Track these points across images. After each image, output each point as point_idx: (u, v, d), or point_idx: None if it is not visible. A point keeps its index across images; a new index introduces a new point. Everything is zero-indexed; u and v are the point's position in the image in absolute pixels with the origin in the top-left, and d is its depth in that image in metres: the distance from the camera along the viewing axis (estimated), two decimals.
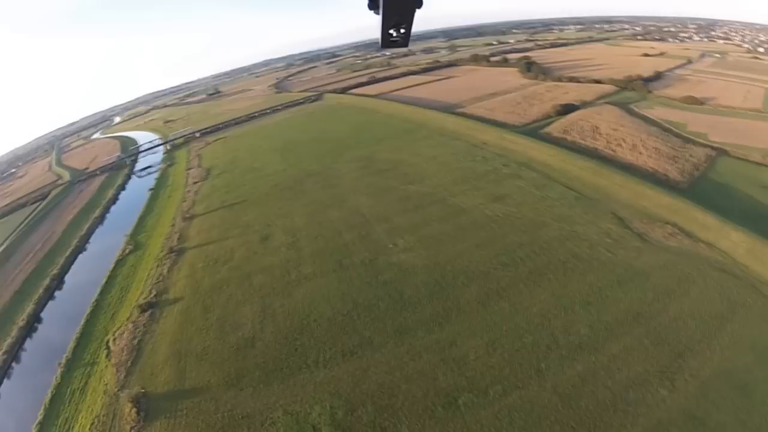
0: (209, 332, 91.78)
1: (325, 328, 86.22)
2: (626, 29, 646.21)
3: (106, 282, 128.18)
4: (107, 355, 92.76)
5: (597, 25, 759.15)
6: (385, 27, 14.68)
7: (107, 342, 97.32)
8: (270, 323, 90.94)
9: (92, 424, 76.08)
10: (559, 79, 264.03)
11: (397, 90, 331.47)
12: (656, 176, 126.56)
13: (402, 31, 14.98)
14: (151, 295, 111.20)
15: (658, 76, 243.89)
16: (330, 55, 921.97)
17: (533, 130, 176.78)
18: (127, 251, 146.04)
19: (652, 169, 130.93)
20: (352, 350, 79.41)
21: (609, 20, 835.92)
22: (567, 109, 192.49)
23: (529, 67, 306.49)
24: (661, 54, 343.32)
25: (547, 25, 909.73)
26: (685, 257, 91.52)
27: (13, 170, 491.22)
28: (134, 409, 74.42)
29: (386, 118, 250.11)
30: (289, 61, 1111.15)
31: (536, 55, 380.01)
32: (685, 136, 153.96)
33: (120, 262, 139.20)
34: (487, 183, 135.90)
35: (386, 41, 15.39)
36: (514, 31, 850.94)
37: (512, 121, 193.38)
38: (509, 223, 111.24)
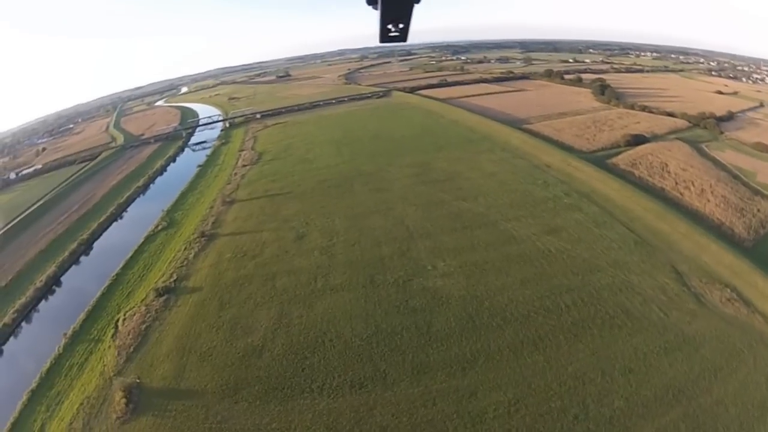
0: (219, 332, 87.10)
1: (340, 351, 78.73)
2: (701, 63, 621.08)
3: (132, 256, 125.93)
4: (113, 335, 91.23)
5: (673, 55, 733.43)
6: (383, 21, 14.45)
7: (117, 321, 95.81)
8: (283, 334, 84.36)
9: (81, 404, 74.26)
10: (632, 107, 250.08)
11: (467, 97, 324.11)
12: (721, 229, 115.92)
13: (401, 26, 14.77)
14: (171, 280, 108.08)
15: (730, 117, 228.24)
16: (405, 53, 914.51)
17: (600, 159, 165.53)
18: (159, 227, 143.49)
19: (718, 220, 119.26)
20: (361, 382, 71.82)
21: (685, 51, 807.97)
22: (637, 140, 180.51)
23: (602, 90, 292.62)
24: (735, 93, 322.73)
25: (624, 48, 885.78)
26: (740, 329, 79.88)
27: (71, 126, 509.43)
28: (124, 399, 71.92)
29: (450, 124, 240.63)
30: (364, 53, 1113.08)
31: (611, 78, 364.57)
32: (753, 187, 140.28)
33: (150, 238, 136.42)
34: (544, 211, 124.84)
35: (384, 36, 15.14)
36: (590, 51, 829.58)
37: (579, 146, 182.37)
38: (561, 261, 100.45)
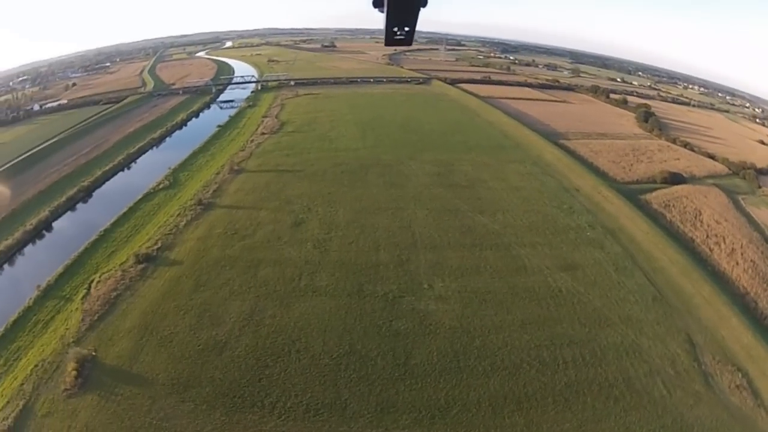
0: (186, 316, 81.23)
1: (304, 367, 71.07)
2: (747, 107, 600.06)
3: (125, 213, 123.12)
4: (84, 297, 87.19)
5: (720, 94, 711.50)
6: (389, 25, 14.63)
7: (91, 282, 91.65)
8: (250, 333, 77.55)
9: (35, 366, 70.64)
10: (674, 141, 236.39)
11: (508, 98, 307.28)
12: (745, 299, 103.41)
13: (406, 29, 15.00)
14: (155, 247, 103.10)
15: None
16: (455, 42, 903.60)
17: (633, 192, 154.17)
18: (161, 186, 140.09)
19: (743, 288, 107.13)
20: (318, 408, 64.37)
21: (732, 92, 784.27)
22: (674, 179, 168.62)
23: (647, 117, 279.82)
24: None
25: (673, 77, 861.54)
26: (741, 423, 69.64)
27: (108, 64, 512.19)
28: (75, 372, 67.70)
29: (485, 125, 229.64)
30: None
31: (656, 106, 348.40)
32: None
33: (149, 196, 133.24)
34: (563, 242, 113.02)
35: (390, 39, 15.43)
36: (639, 73, 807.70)
37: (614, 174, 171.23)
38: (570, 305, 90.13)
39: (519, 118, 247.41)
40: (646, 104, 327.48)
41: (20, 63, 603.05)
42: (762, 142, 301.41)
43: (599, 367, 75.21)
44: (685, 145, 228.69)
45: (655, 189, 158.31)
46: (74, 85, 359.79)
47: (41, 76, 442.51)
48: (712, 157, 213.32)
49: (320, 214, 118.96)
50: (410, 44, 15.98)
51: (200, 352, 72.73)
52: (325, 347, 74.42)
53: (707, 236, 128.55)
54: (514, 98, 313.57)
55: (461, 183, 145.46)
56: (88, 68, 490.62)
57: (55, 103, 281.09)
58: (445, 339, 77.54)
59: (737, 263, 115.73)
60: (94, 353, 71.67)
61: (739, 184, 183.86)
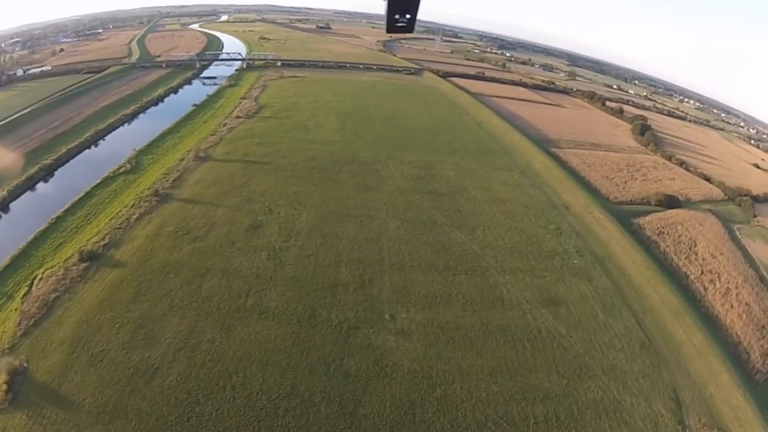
0: (120, 331, 72.16)
1: (237, 409, 61.84)
2: (742, 126, 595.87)
3: (80, 199, 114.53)
4: (25, 295, 79.28)
5: (715, 110, 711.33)
6: (391, 12, 15.32)
7: (34, 279, 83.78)
8: (185, 359, 68.09)
9: None
10: (670, 158, 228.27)
11: (500, 97, 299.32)
12: (737, 350, 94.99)
13: (407, 16, 15.55)
14: (102, 243, 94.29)
15: (765, 199, 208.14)
16: (452, 34, 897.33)
17: (626, 215, 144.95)
18: (121, 170, 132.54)
19: (737, 336, 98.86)
20: None
21: (727, 110, 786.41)
22: (670, 202, 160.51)
23: (643, 130, 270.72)
24: None
25: (669, 89, 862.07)
26: None
27: (101, 31, 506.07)
28: (6, 385, 61.45)
29: (473, 125, 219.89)
30: None
31: (652, 118, 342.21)
32: None
33: (107, 181, 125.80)
34: (547, 270, 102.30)
35: (392, 26, 16.05)
36: (636, 82, 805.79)
37: (606, 191, 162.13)
38: (549, 350, 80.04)
39: (510, 120, 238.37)
40: (642, 116, 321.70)
41: (17, 24, 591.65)
42: (757, 166, 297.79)
43: (574, 429, 65.79)
44: (681, 163, 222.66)
45: (650, 212, 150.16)
46: (62, 50, 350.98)
47: (33, 39, 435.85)
48: (707, 179, 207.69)
49: (281, 216, 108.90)
50: (411, 31, 16.35)
51: (130, 377, 64.36)
52: (265, 385, 64.93)
53: (702, 272, 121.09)
54: (507, 97, 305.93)
55: (441, 190, 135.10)
56: (80, 34, 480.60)
57: (38, 69, 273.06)
58: (402, 385, 67.51)
59: (732, 306, 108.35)
60: (25, 365, 65.12)
61: (735, 211, 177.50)
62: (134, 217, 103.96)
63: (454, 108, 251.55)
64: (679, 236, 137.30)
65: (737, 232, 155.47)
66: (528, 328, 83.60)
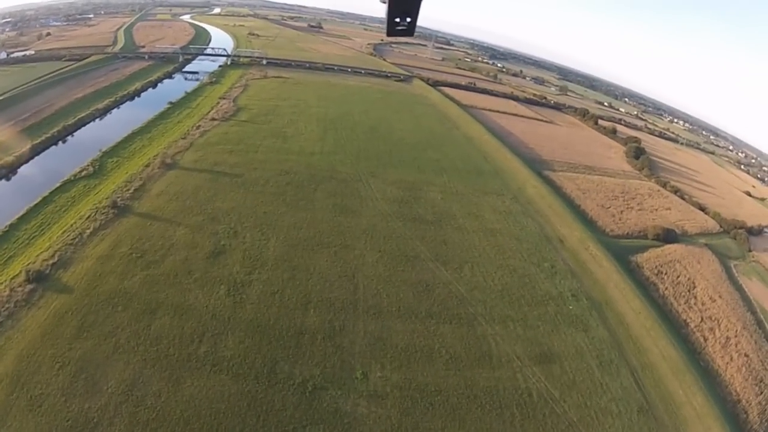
0: (61, 373, 62.77)
1: None
2: (730, 150, 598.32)
3: (36, 205, 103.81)
4: None
5: (704, 132, 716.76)
6: (391, 15, 14.61)
7: None
8: (126, 416, 58.66)
9: None
10: (665, 185, 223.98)
11: (492, 111, 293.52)
12: (736, 409, 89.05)
13: (408, 19, 14.86)
14: (51, 262, 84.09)
15: (759, 231, 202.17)
16: (444, 41, 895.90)
17: (624, 251, 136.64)
18: (83, 173, 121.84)
19: (736, 393, 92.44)
20: None
21: (715, 131, 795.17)
22: (667, 236, 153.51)
23: (638, 154, 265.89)
24: (763, 199, 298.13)
25: (658, 108, 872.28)
26: None
27: (91, 16, 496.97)
28: None
29: (463, 140, 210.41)
30: None
31: (645, 140, 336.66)
32: None
33: (67, 185, 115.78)
34: (541, 318, 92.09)
35: (392, 29, 15.22)
36: (626, 99, 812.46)
37: (603, 223, 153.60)
38: (540, 418, 70.32)
39: (501, 137, 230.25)
40: (636, 138, 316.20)
41: (12, 3, 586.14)
42: (748, 194, 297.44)
43: None
44: (676, 191, 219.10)
45: (647, 247, 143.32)
46: (48, 34, 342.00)
47: (23, 21, 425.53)
48: (702, 209, 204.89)
49: (247, 242, 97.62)
50: (412, 34, 15.44)
51: (68, 430, 55.50)
52: None
53: (702, 319, 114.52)
54: (498, 111, 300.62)
55: (427, 217, 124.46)
56: (71, 18, 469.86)
57: (21, 54, 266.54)
58: None
59: (731, 359, 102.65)
60: None
61: (730, 245, 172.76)
62: (88, 231, 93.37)
63: (444, 120, 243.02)
64: (678, 276, 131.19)
65: (734, 269, 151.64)
66: (518, 391, 73.78)
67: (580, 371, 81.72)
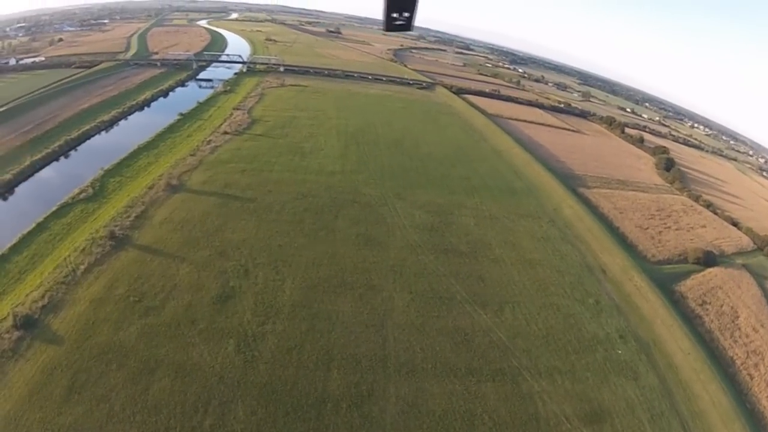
0: None
1: None
2: (751, 155, 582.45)
3: (30, 232, 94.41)
4: None
5: (724, 137, 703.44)
6: (388, 10, 14.68)
7: None
8: None
9: None
10: (697, 199, 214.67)
11: (518, 120, 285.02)
12: None
13: (406, 14, 14.93)
14: (41, 303, 74.63)
15: None
16: (464, 46, 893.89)
17: (666, 279, 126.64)
18: (81, 195, 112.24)
19: None
20: None
21: (735, 136, 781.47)
22: (707, 259, 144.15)
23: (668, 166, 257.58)
24: None
25: (678, 113, 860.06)
26: None
27: (106, 21, 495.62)
28: None
29: (492, 154, 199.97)
30: (423, 33, 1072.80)
31: (671, 149, 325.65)
32: None
33: (63, 209, 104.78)
34: (589, 369, 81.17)
35: (389, 24, 15.33)
36: (646, 105, 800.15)
37: (643, 246, 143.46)
38: None
39: (531, 150, 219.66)
40: (664, 147, 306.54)
41: (27, 8, 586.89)
42: None
43: None
44: (708, 205, 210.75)
45: (689, 273, 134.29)
46: (60, 40, 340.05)
47: (38, 26, 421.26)
48: (735, 224, 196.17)
49: (259, 282, 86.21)
50: (410, 29, 15.38)
51: None
52: None
53: (747, 354, 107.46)
54: (524, 120, 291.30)
55: (460, 247, 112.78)
56: (85, 23, 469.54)
57: (30, 60, 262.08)
58: None
59: None
60: None
61: (765, 263, 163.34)
62: (82, 267, 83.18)
63: (470, 132, 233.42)
64: (721, 306, 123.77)
65: None
66: None
67: (631, 428, 72.01)
